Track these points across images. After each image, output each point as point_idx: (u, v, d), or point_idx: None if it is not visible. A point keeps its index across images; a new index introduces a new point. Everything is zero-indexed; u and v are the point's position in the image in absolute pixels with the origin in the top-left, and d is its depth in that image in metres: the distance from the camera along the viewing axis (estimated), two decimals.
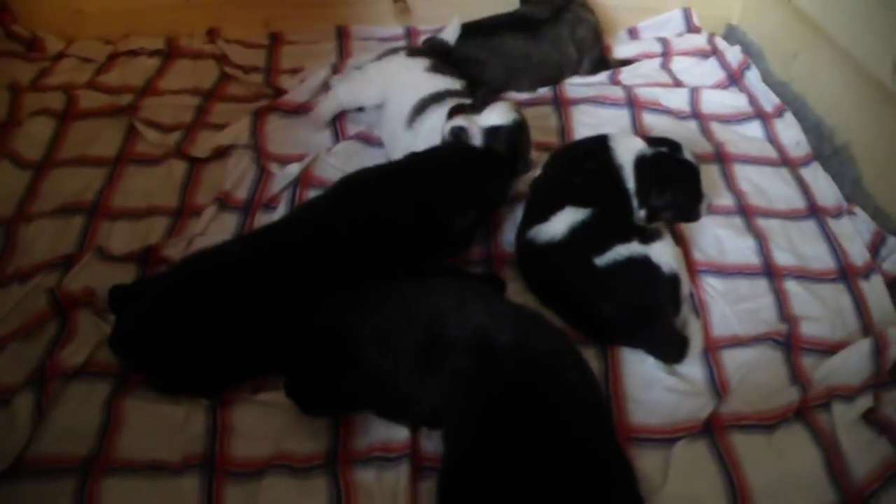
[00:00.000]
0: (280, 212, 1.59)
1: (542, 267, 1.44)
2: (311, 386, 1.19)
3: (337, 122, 1.82)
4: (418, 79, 1.69)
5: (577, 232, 1.40)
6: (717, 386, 1.32)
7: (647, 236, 1.39)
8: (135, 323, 1.26)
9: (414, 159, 1.43)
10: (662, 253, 1.38)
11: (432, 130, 1.55)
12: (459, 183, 1.40)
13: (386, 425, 1.21)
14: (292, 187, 1.64)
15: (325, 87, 1.90)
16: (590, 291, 1.36)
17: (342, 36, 2.14)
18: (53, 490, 1.10)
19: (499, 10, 2.04)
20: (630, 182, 1.48)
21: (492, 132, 1.47)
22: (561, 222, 1.42)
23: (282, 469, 1.16)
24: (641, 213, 1.50)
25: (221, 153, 1.73)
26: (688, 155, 1.52)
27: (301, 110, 1.85)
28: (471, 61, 1.87)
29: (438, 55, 1.80)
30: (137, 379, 1.26)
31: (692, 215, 1.52)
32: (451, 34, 1.87)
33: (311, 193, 1.62)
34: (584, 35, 1.98)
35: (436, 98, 1.63)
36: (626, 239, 1.37)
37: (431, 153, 1.44)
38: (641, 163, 1.48)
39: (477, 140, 1.46)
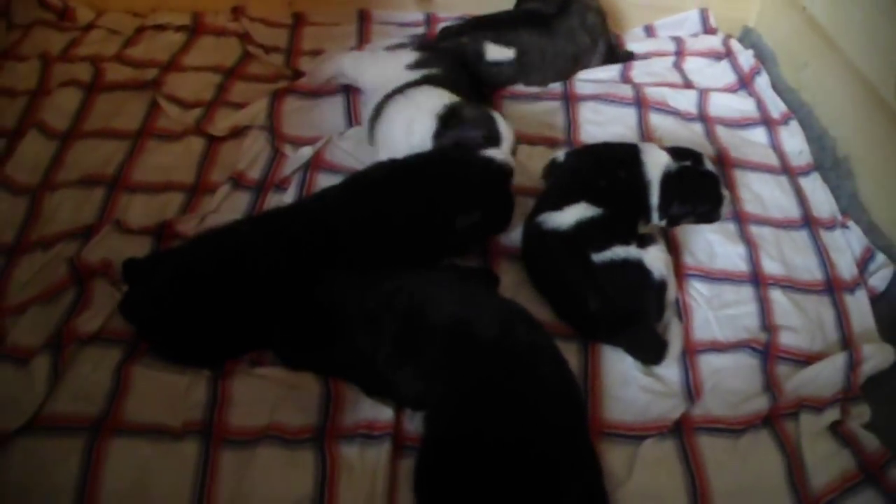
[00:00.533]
0: (290, 193, 1.67)
1: (542, 253, 1.51)
2: (299, 346, 1.30)
3: (351, 107, 1.88)
4: (394, 75, 1.75)
5: (582, 226, 1.47)
6: (691, 389, 1.39)
7: (643, 241, 1.46)
8: (144, 295, 1.36)
9: (422, 159, 1.50)
10: (655, 259, 1.44)
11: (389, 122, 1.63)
12: (464, 184, 1.47)
13: (372, 405, 1.29)
14: (303, 170, 1.72)
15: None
16: (581, 285, 1.43)
17: (363, 19, 2.19)
18: (65, 446, 1.21)
19: None
20: (654, 197, 1.54)
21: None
22: (571, 214, 1.48)
23: (274, 440, 1.25)
24: (661, 221, 1.56)
25: (238, 132, 1.81)
26: (709, 165, 1.58)
27: (317, 93, 1.92)
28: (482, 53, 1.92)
29: (436, 49, 1.87)
30: (146, 347, 1.36)
31: (713, 217, 1.59)
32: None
33: (321, 176, 1.70)
34: (594, 21, 2.02)
35: (396, 91, 1.68)
36: (625, 242, 1.44)
37: (440, 155, 1.52)
38: (668, 179, 1.54)
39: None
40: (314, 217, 1.43)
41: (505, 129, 1.59)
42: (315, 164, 1.73)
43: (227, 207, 1.64)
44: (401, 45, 2.00)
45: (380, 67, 1.82)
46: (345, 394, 1.31)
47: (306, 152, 1.75)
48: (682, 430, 1.32)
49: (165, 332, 1.35)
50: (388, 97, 1.69)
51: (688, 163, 1.57)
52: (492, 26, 1.96)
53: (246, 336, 1.37)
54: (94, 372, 1.31)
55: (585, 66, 2.04)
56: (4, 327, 1.36)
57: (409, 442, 1.27)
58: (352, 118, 1.87)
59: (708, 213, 1.58)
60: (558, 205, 1.51)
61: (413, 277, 1.29)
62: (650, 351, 1.40)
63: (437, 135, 1.58)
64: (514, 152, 1.62)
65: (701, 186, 1.56)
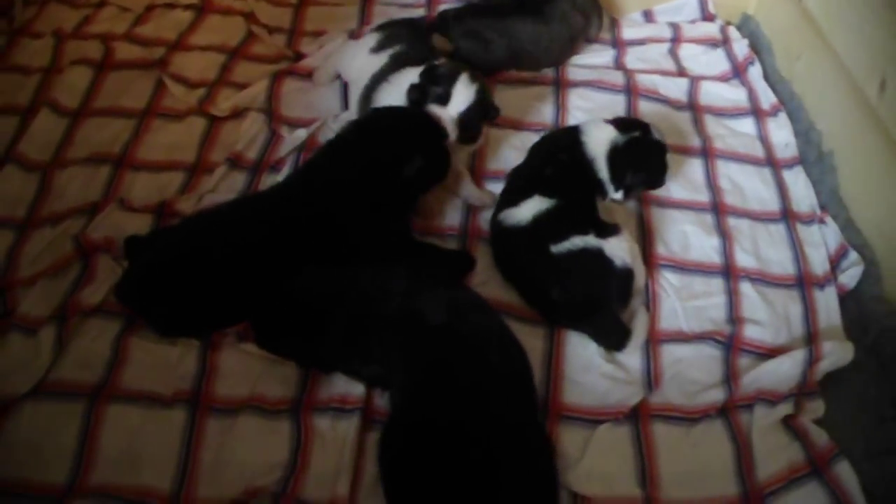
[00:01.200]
0: (284, 173, 1.78)
1: (506, 248, 1.61)
2: (270, 333, 1.43)
3: (347, 90, 1.96)
4: (362, 62, 1.83)
5: (539, 219, 1.55)
6: (651, 377, 1.48)
7: (604, 231, 1.53)
8: (140, 273, 1.48)
9: (365, 119, 1.64)
10: (616, 248, 1.52)
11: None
12: (401, 135, 1.57)
13: (346, 381, 1.41)
14: (297, 151, 1.82)
15: None
16: (543, 276, 1.52)
17: (366, 0, 2.26)
18: (67, 410, 1.34)
19: None
20: (603, 172, 1.63)
21: (464, 116, 1.61)
22: (527, 209, 1.57)
23: (255, 409, 1.37)
24: (618, 193, 1.65)
25: (238, 113, 1.90)
26: (656, 134, 1.67)
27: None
28: (475, 37, 1.98)
29: (401, 22, 1.95)
30: (142, 321, 1.49)
31: (658, 184, 1.70)
32: None
33: None
34: (585, 3, 2.07)
35: (377, 80, 1.76)
36: (583, 231, 1.51)
37: (372, 117, 1.64)
38: (615, 152, 1.63)
39: (453, 133, 1.61)
40: (288, 193, 1.56)
41: (462, 91, 1.62)
42: (309, 145, 1.83)
43: (225, 187, 1.74)
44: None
45: (348, 56, 1.91)
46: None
47: (301, 134, 1.84)
48: (638, 417, 1.41)
49: (159, 308, 1.47)
50: (374, 85, 1.76)
51: (636, 133, 1.65)
52: (485, 11, 2.01)
53: (232, 310, 1.49)
54: (95, 342, 1.44)
55: (584, 41, 2.11)
56: (15, 298, 1.50)
57: (378, 416, 1.38)
58: (347, 101, 1.95)
59: (657, 179, 1.69)
60: (515, 201, 1.60)
61: (366, 270, 1.40)
62: (612, 337, 1.49)
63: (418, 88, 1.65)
64: (486, 116, 1.68)
65: (650, 154, 1.66)
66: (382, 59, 1.81)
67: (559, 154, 1.64)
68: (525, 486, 1.22)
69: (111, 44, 2.06)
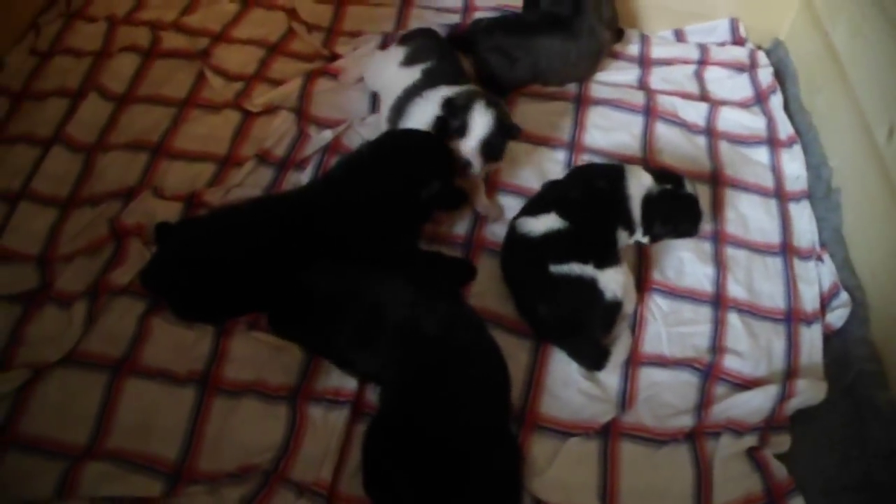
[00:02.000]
0: (308, 173, 1.91)
1: (512, 253, 1.72)
2: (285, 320, 1.58)
3: (375, 94, 2.07)
4: (393, 76, 1.92)
5: (549, 236, 1.65)
6: (626, 397, 1.59)
7: (604, 262, 1.62)
8: (165, 261, 1.65)
9: (376, 145, 1.74)
10: (611, 280, 1.61)
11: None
12: (421, 160, 1.69)
13: (340, 375, 1.55)
14: (322, 152, 1.95)
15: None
16: (535, 289, 1.63)
17: (405, 2, 2.36)
18: (92, 379, 1.52)
19: None
20: (636, 212, 1.72)
21: (484, 144, 1.71)
22: (541, 223, 1.67)
23: (257, 393, 1.53)
24: (644, 238, 1.75)
25: (271, 110, 2.03)
26: (689, 188, 1.75)
27: None
28: (502, 54, 2.07)
29: (425, 35, 2.03)
30: (165, 303, 1.66)
31: (693, 233, 1.78)
32: None
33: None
34: (610, 14, 2.15)
35: (410, 94, 1.85)
36: (584, 260, 1.61)
37: (392, 139, 1.77)
38: (649, 201, 1.72)
39: (477, 165, 1.71)
40: (305, 201, 1.69)
41: (479, 120, 1.70)
42: (334, 147, 1.96)
43: (251, 182, 1.89)
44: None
45: (377, 67, 2.01)
46: (321, 362, 1.58)
47: (327, 135, 1.97)
48: (608, 434, 1.53)
49: (180, 293, 1.63)
50: (407, 99, 1.85)
51: (669, 186, 1.74)
52: (515, 28, 2.10)
53: (246, 300, 1.65)
54: (121, 320, 1.61)
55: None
56: (54, 273, 1.68)
57: (368, 410, 1.53)
58: (375, 105, 2.07)
59: (688, 230, 1.77)
60: (534, 212, 1.70)
61: (380, 276, 1.54)
62: (589, 359, 1.61)
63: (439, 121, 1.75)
64: (507, 137, 1.76)
65: (680, 208, 1.74)
66: (414, 73, 1.91)
67: (598, 181, 1.73)
68: (489, 486, 1.36)
69: (159, 32, 2.21)
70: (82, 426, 1.48)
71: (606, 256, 1.65)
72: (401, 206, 1.68)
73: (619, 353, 1.63)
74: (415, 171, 1.67)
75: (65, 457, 1.43)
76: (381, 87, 1.99)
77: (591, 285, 1.60)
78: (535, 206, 1.73)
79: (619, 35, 2.21)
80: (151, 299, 1.65)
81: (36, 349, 1.57)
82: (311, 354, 1.59)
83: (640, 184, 1.73)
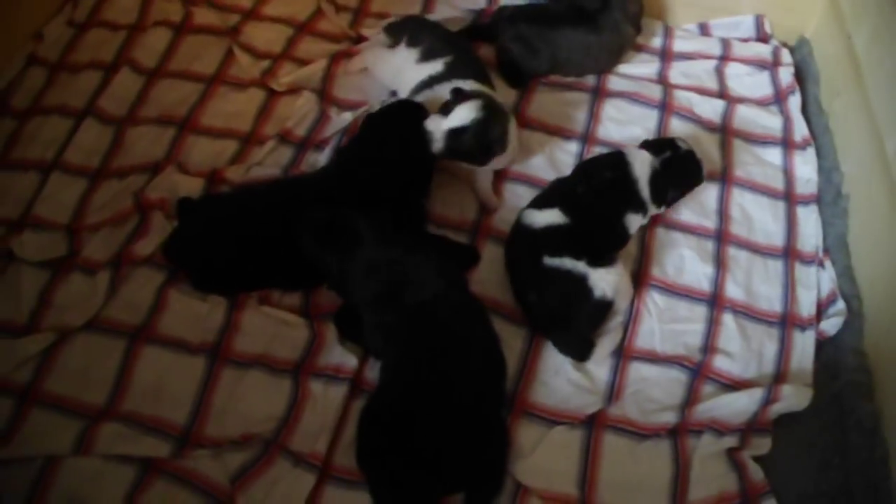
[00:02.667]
0: (326, 153, 2.00)
1: (515, 242, 1.80)
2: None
3: None
4: (412, 73, 1.98)
5: (548, 231, 1.73)
6: (614, 390, 1.66)
7: (598, 261, 1.69)
8: (185, 234, 1.76)
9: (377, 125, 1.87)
10: (601, 279, 1.67)
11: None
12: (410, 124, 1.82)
13: (342, 352, 1.65)
14: (341, 133, 2.03)
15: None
16: (528, 279, 1.71)
17: None
18: (112, 344, 1.65)
19: None
20: (645, 192, 1.79)
21: (453, 134, 1.77)
22: (544, 217, 1.75)
23: (263, 366, 1.64)
24: (661, 209, 1.84)
25: (294, 89, 2.11)
26: (682, 144, 1.84)
27: None
28: (524, 43, 2.11)
29: (433, 32, 2.08)
30: (182, 275, 1.77)
31: (700, 182, 1.89)
32: None
33: None
34: (636, 10, 2.18)
35: (420, 88, 1.93)
36: (577, 256, 1.68)
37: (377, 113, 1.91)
38: (656, 176, 1.80)
39: (438, 143, 1.78)
40: (315, 185, 1.81)
41: (461, 114, 1.77)
42: (352, 129, 2.03)
43: (271, 161, 1.97)
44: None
45: (392, 67, 2.06)
46: (325, 340, 1.68)
47: (347, 117, 2.04)
48: (593, 424, 1.61)
49: (198, 265, 1.75)
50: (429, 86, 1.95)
51: (668, 153, 1.82)
52: (538, 18, 2.14)
53: (258, 276, 1.76)
54: (141, 289, 1.73)
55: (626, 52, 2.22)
56: (81, 241, 1.80)
57: (366, 387, 1.63)
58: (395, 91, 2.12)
59: (696, 182, 1.88)
60: (540, 205, 1.77)
61: (409, 256, 1.62)
62: (573, 350, 1.69)
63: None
64: (482, 147, 1.81)
65: (686, 169, 1.85)
66: (437, 66, 1.98)
67: (604, 171, 1.80)
68: (474, 470, 1.47)
69: (191, 8, 2.29)
70: (100, 388, 1.60)
71: (604, 253, 1.72)
72: (403, 168, 1.79)
73: (604, 346, 1.70)
74: (406, 133, 1.79)
75: (83, 416, 1.56)
76: (403, 86, 2.05)
77: (580, 281, 1.67)
78: (542, 199, 1.81)
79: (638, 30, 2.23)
80: (170, 271, 1.76)
81: (62, 313, 1.69)
82: (315, 331, 1.69)
83: (643, 164, 1.80)
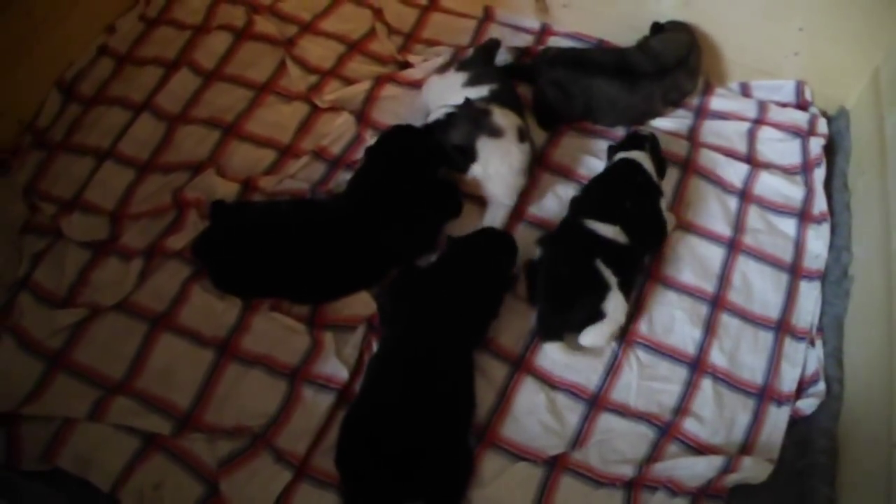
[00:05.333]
0: None
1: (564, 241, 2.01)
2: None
3: None
4: (456, 97, 2.13)
5: (610, 243, 1.94)
6: (580, 436, 1.83)
7: (624, 286, 1.91)
8: (214, 237, 2.01)
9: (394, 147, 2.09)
10: (615, 298, 1.89)
11: None
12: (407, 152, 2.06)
13: (336, 364, 1.86)
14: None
15: (441, 69, 2.41)
16: (567, 273, 1.93)
17: (486, 16, 2.58)
18: (134, 327, 1.91)
19: (630, 28, 2.43)
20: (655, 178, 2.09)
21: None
22: (608, 231, 1.95)
23: (264, 367, 1.88)
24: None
25: (336, 108, 2.33)
26: (643, 131, 2.23)
27: (415, 86, 2.39)
28: (559, 88, 2.27)
29: (483, 62, 2.28)
30: (206, 273, 2.02)
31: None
32: None
33: None
34: (675, 98, 2.33)
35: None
36: (619, 273, 1.91)
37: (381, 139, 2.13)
38: (655, 165, 2.08)
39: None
40: (331, 212, 2.04)
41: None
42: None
43: (303, 175, 2.20)
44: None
45: (442, 91, 2.25)
46: (322, 349, 1.90)
47: None
48: (554, 465, 1.79)
49: (221, 266, 2.00)
50: None
51: (646, 140, 2.14)
52: (579, 64, 2.29)
53: (271, 284, 2.00)
54: (168, 280, 1.99)
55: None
56: (122, 228, 2.08)
57: (352, 399, 1.84)
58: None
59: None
60: (604, 218, 1.97)
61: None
62: (544, 328, 1.94)
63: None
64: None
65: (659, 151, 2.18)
66: (481, 91, 2.18)
67: (637, 179, 2.06)
68: (435, 487, 1.70)
69: (254, 15, 2.53)
70: (119, 364, 1.87)
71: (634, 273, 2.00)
72: (404, 197, 2.01)
73: (585, 336, 1.90)
74: (404, 162, 2.03)
75: (101, 387, 1.83)
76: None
77: (603, 290, 1.88)
78: (599, 211, 2.01)
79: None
80: (196, 267, 2.02)
81: (96, 292, 1.97)
82: (315, 340, 1.92)
83: (648, 164, 2.09)
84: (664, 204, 2.09)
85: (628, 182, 2.06)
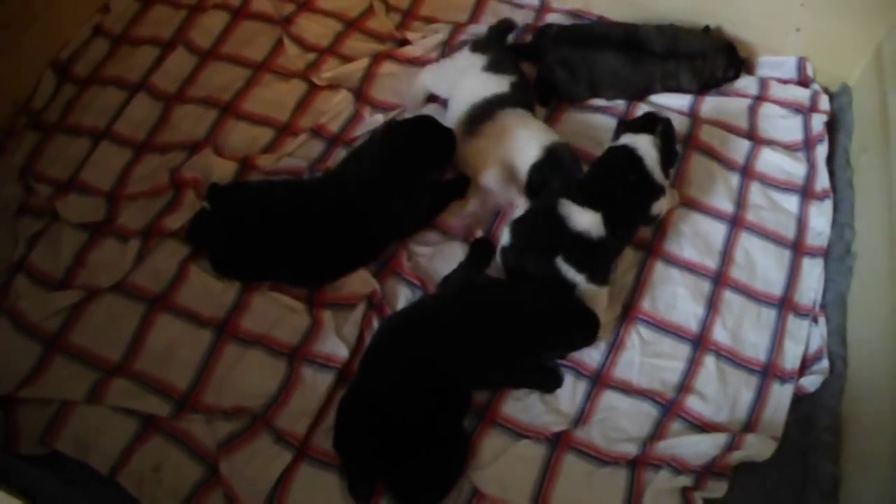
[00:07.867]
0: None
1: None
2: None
3: None
4: (474, 80, 2.08)
5: (580, 237, 1.83)
6: (583, 414, 1.79)
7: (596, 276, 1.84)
8: (210, 218, 1.97)
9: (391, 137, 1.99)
10: (598, 294, 1.84)
11: None
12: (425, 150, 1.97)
13: (335, 342, 1.83)
14: (370, 134, 2.20)
15: (440, 46, 2.37)
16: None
17: None
18: (132, 308, 1.87)
19: (629, 4, 2.38)
20: (656, 173, 1.93)
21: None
22: (585, 219, 1.83)
23: (263, 347, 1.84)
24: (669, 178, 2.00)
25: (333, 86, 2.28)
26: (658, 113, 2.07)
27: (413, 63, 2.35)
28: (566, 68, 2.22)
29: (500, 44, 2.21)
30: (203, 253, 1.98)
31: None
32: None
33: None
34: (671, 86, 2.28)
35: (487, 107, 2.05)
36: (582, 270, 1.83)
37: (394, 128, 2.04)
38: (661, 151, 1.95)
39: None
40: (330, 186, 1.98)
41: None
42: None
43: (301, 153, 2.15)
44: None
45: (453, 73, 2.17)
46: (322, 328, 1.86)
47: (378, 119, 2.20)
48: (557, 443, 1.75)
49: (218, 248, 1.95)
50: (492, 109, 2.06)
51: (658, 127, 1.96)
52: (583, 41, 2.24)
53: (273, 266, 1.95)
54: (166, 261, 1.94)
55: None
56: (118, 209, 2.03)
57: (352, 378, 1.80)
58: (430, 96, 2.26)
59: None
60: (582, 202, 1.85)
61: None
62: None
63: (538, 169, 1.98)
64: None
65: (671, 134, 2.00)
66: (503, 85, 2.10)
67: (629, 175, 1.92)
68: (427, 471, 1.67)
69: None
70: (117, 346, 1.83)
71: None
72: (404, 191, 1.95)
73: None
74: (413, 157, 1.94)
75: (99, 369, 1.79)
76: (459, 93, 2.14)
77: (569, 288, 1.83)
78: (583, 193, 1.88)
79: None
80: (194, 246, 1.98)
81: (93, 273, 1.92)
82: (315, 320, 1.88)
83: (652, 155, 1.93)
84: (663, 204, 1.97)
85: (624, 171, 1.94)
